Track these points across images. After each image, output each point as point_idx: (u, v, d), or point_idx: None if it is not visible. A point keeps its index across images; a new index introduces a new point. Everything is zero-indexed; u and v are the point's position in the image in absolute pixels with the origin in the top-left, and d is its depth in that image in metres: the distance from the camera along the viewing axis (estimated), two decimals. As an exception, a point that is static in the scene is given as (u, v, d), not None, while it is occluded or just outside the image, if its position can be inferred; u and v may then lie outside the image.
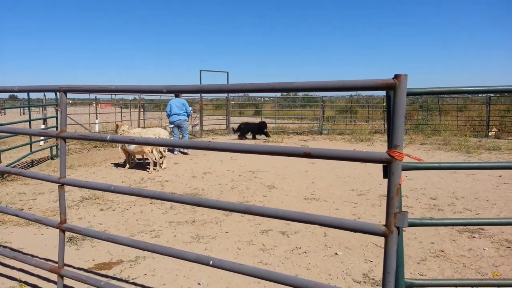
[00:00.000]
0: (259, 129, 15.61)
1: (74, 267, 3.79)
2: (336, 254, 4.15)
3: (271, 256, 4.10)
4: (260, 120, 16.44)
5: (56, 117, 10.49)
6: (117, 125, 9.35)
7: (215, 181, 7.75)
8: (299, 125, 20.39)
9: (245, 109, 27.81)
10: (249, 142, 14.16)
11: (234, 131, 15.68)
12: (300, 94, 30.44)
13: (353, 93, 28.70)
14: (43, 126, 11.38)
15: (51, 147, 10.28)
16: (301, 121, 21.48)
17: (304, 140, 15.05)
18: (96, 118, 16.63)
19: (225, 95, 18.77)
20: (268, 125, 15.78)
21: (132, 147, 8.50)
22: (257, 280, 3.48)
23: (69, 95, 3.18)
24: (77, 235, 4.52)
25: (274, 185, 7.30)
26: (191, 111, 12.26)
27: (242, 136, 15.42)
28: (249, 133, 15.56)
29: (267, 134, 15.72)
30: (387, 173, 1.67)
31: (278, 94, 23.79)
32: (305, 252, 4.20)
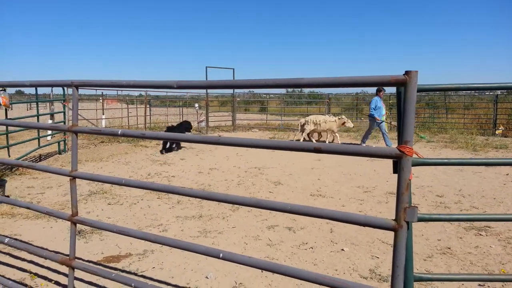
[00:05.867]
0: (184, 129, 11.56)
1: (83, 260, 3.84)
2: (342, 250, 4.17)
3: (278, 251, 4.13)
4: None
5: (64, 112, 10.57)
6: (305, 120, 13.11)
7: (221, 177, 7.79)
8: (305, 122, 20.35)
9: (250, 105, 27.83)
10: (258, 136, 13.86)
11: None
12: (306, 91, 30.15)
13: (359, 90, 28.59)
14: (50, 121, 11.48)
15: (58, 142, 10.37)
16: (307, 118, 21.42)
17: (310, 137, 15.02)
18: (103, 114, 16.71)
19: (231, 91, 18.78)
20: (273, 122, 15.08)
21: (323, 127, 12.81)
22: (264, 274, 3.51)
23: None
24: (86, 228, 4.58)
25: (280, 182, 7.32)
26: (372, 110, 11.46)
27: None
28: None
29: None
30: (397, 169, 1.69)
31: (284, 91, 23.73)
32: (312, 248, 4.22)
